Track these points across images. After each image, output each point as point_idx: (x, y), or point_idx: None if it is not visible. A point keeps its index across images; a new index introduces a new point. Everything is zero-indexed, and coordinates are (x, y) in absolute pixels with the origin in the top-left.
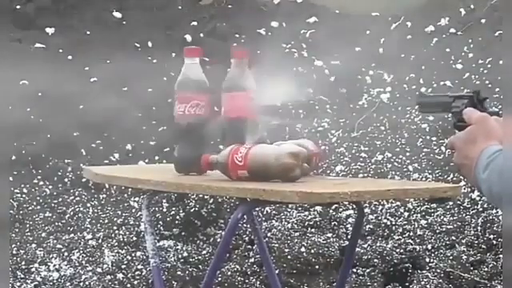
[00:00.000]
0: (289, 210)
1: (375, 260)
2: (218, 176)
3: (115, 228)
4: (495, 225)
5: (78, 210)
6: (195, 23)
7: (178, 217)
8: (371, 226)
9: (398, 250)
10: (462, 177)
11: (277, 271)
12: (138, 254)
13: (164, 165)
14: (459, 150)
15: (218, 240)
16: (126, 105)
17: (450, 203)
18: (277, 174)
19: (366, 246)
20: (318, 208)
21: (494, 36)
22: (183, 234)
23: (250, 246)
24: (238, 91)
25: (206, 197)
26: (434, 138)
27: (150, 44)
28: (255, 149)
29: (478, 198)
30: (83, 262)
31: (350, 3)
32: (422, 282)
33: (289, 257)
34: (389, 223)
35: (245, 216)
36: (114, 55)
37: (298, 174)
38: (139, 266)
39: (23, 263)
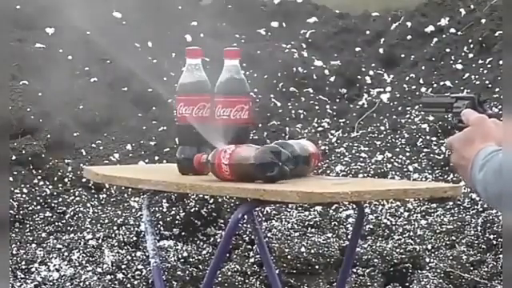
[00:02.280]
0: (289, 210)
1: (375, 260)
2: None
3: (115, 228)
4: (495, 225)
5: (77, 209)
6: (195, 23)
7: (178, 217)
8: (371, 226)
9: (398, 250)
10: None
11: (277, 271)
12: (138, 254)
13: (164, 165)
14: (456, 151)
15: (218, 240)
16: (126, 105)
17: (450, 203)
18: (256, 173)
19: (366, 246)
20: (318, 208)
21: (493, 36)
22: (183, 234)
23: (250, 246)
24: (234, 95)
25: (206, 197)
26: (433, 138)
27: (149, 44)
28: (239, 149)
29: (477, 198)
30: (83, 262)
31: (349, 3)
32: (422, 282)
33: (289, 257)
34: (389, 223)
35: (245, 216)
36: (114, 55)
37: (277, 174)
38: (139, 266)
39: (23, 263)
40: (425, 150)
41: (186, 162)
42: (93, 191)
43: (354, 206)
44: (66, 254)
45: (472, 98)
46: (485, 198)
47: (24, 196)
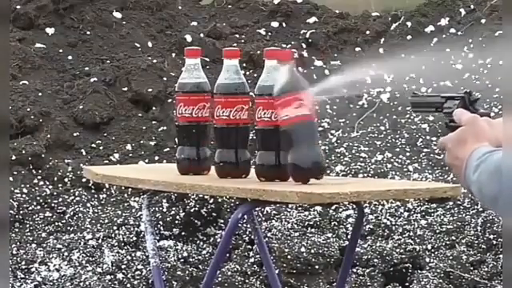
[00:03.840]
0: (289, 210)
1: (375, 260)
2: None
3: (115, 228)
4: (495, 225)
5: (77, 209)
6: (195, 23)
7: (177, 217)
8: (371, 226)
9: (398, 250)
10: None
11: (277, 271)
12: (138, 254)
13: (164, 165)
14: (450, 151)
15: (218, 240)
16: (126, 105)
17: (450, 203)
18: (290, 171)
19: (365, 246)
20: (318, 208)
21: (493, 36)
22: (183, 234)
23: (249, 246)
24: (233, 96)
25: (206, 197)
26: (433, 138)
27: (149, 44)
28: (300, 131)
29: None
30: (83, 262)
31: (350, 3)
32: (422, 282)
33: (289, 257)
34: (389, 223)
35: (245, 216)
36: (114, 55)
37: (308, 181)
38: (139, 266)
39: (23, 263)
40: (425, 150)
41: (185, 162)
42: (93, 191)
43: (354, 206)
44: (65, 254)
45: (462, 97)
46: (479, 199)
47: (24, 196)
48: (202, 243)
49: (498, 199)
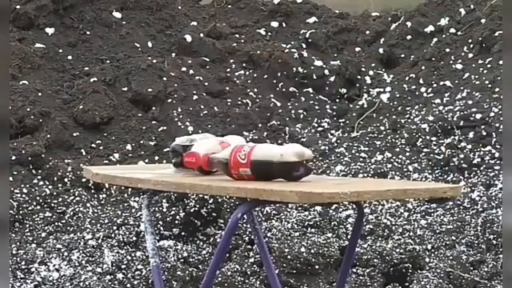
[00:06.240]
0: (289, 210)
1: (375, 260)
2: (218, 176)
3: (115, 228)
4: (495, 225)
5: (77, 209)
6: (195, 23)
7: (177, 217)
8: (371, 226)
9: (397, 250)
10: (461, 177)
11: (277, 271)
12: (138, 254)
13: (164, 165)
14: None
15: (218, 240)
16: (126, 105)
17: (450, 203)
18: (280, 172)
19: (365, 246)
20: (318, 208)
21: (493, 36)
22: (183, 234)
23: (249, 246)
24: None
25: (206, 197)
26: (433, 138)
27: (149, 44)
28: (259, 147)
29: (477, 198)
30: (83, 262)
31: (349, 3)
32: (422, 282)
33: (289, 257)
34: (389, 223)
35: (245, 216)
36: (114, 55)
37: (302, 173)
38: (139, 266)
39: (23, 263)
40: (425, 150)
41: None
42: (93, 191)
43: (354, 206)
44: (65, 254)
45: None
46: None
47: (24, 196)
48: (201, 243)
49: None
